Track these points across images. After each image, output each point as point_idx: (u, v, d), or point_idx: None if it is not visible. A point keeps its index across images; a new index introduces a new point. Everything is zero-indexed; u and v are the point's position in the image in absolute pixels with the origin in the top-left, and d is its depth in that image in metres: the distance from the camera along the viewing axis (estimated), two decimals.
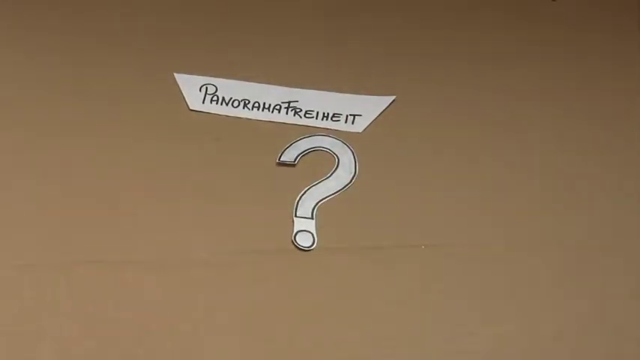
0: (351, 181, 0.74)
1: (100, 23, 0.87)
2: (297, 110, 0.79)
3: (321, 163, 0.75)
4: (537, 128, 0.78)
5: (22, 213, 0.69)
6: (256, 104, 0.80)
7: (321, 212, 0.71)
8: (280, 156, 0.75)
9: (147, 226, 0.69)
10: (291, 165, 0.75)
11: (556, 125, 0.78)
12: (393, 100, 0.80)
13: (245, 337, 0.62)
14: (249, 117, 0.79)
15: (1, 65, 0.82)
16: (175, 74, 0.82)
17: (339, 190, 0.73)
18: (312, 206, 0.71)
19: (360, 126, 0.78)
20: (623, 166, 0.74)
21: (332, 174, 0.74)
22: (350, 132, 0.78)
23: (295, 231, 0.69)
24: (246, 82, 0.82)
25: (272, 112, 0.79)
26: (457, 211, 0.71)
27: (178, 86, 0.81)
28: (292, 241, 0.68)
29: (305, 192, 0.72)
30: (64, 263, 0.66)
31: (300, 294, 0.65)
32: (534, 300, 0.65)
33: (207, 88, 0.81)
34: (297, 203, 0.71)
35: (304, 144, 0.76)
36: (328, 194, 0.72)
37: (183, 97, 0.80)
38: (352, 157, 0.75)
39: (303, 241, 0.69)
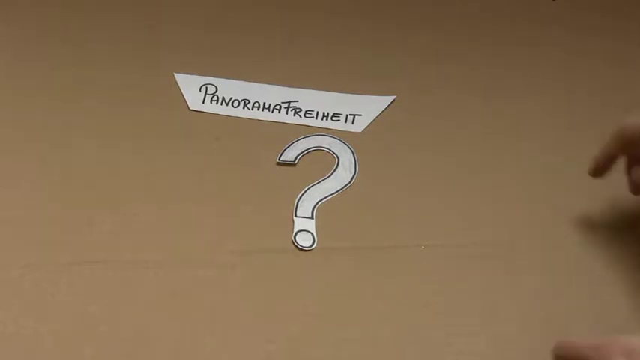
0: (351, 181, 0.74)
1: (100, 23, 0.87)
2: (297, 110, 0.79)
3: (321, 163, 0.75)
4: (537, 128, 0.78)
5: (22, 213, 0.69)
6: (256, 104, 0.80)
7: (321, 212, 0.71)
8: (280, 156, 0.75)
9: (147, 226, 0.69)
10: (291, 165, 0.75)
11: (556, 125, 0.79)
12: (393, 100, 0.80)
13: (245, 337, 0.62)
14: (249, 117, 0.79)
15: (0, 65, 0.82)
16: (175, 74, 0.82)
17: (339, 190, 0.73)
18: (312, 206, 0.71)
19: (360, 126, 0.78)
20: (623, 165, 0.74)
21: (332, 174, 0.74)
22: (350, 132, 0.78)
23: (295, 231, 0.69)
24: (246, 82, 0.82)
25: (272, 112, 0.79)
26: (457, 211, 0.72)
27: (178, 86, 0.81)
28: (292, 241, 0.68)
29: (305, 192, 0.72)
30: (64, 263, 0.66)
31: (300, 294, 0.65)
32: (534, 300, 0.65)
33: (207, 88, 0.81)
34: (297, 203, 0.71)
35: (304, 144, 0.76)
36: (328, 194, 0.72)
37: (183, 97, 0.80)
38: (352, 157, 0.75)
39: (303, 241, 0.69)
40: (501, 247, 0.69)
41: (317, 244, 0.68)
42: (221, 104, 0.80)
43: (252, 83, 0.82)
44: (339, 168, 0.75)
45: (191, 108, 0.79)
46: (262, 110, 0.79)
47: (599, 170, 0.69)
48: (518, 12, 0.91)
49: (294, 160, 0.75)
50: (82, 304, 0.63)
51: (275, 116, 0.79)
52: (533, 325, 0.64)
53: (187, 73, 0.82)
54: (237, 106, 0.79)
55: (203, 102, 0.80)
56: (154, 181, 0.72)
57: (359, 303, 0.65)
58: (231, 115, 0.79)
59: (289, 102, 0.80)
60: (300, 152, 0.75)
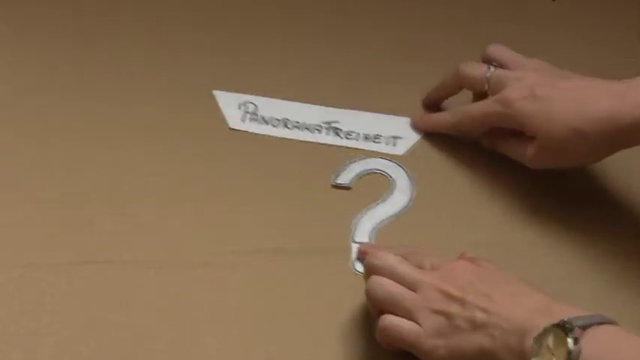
0: (408, 203, 0.72)
1: (99, 22, 0.87)
2: (338, 131, 0.78)
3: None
4: None
5: (22, 213, 0.69)
6: (296, 124, 0.78)
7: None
8: (336, 178, 0.73)
9: (147, 226, 0.69)
10: (347, 188, 0.73)
11: None
12: None
13: (246, 338, 0.62)
14: (290, 137, 0.77)
15: (0, 65, 0.82)
16: (214, 91, 0.80)
17: (396, 213, 0.72)
18: (370, 230, 0.70)
19: (401, 148, 0.77)
20: (623, 165, 0.75)
21: (389, 197, 0.73)
22: (391, 154, 0.76)
23: (354, 258, 0.68)
24: (285, 101, 0.80)
25: (312, 132, 0.78)
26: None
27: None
28: (351, 267, 0.67)
29: (362, 216, 0.71)
30: (64, 263, 0.66)
31: (300, 294, 0.65)
32: None
33: (246, 106, 0.79)
34: (355, 228, 0.70)
35: (358, 166, 0.75)
36: (385, 217, 0.71)
37: (223, 115, 0.79)
38: (408, 179, 0.74)
39: (361, 267, 0.66)
40: (502, 247, 0.69)
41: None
42: (260, 123, 0.77)
43: (290, 102, 0.79)
44: (395, 191, 0.73)
45: (230, 126, 0.77)
46: (302, 130, 0.78)
47: (431, 102, 0.79)
48: (518, 12, 0.91)
49: (349, 183, 0.73)
50: (82, 304, 0.63)
51: (316, 137, 0.77)
52: None
53: (226, 91, 0.80)
54: (276, 126, 0.77)
55: (243, 120, 0.77)
56: (154, 181, 0.72)
57: (359, 302, 0.65)
58: (270, 134, 0.77)
59: (330, 122, 0.78)
60: (355, 174, 0.74)
